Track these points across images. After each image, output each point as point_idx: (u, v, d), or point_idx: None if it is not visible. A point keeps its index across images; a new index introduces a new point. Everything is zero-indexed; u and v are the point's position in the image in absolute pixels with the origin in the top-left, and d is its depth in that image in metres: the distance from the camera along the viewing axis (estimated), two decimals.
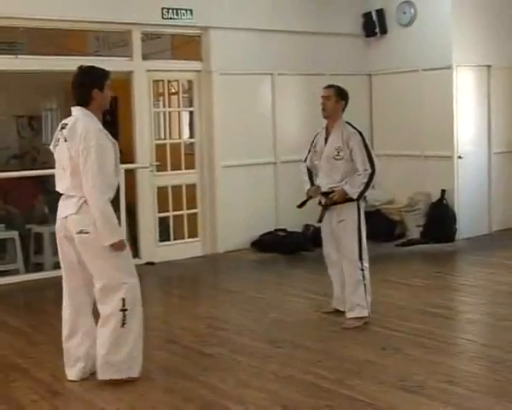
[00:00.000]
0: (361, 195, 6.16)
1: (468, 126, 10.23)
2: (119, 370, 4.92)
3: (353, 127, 6.30)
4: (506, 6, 10.59)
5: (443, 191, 10.07)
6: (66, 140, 4.86)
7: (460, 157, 10.09)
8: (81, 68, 5.01)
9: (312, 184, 6.51)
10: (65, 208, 4.95)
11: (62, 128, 4.93)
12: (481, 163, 10.48)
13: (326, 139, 6.36)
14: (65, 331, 5.10)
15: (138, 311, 4.98)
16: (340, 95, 6.38)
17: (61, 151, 4.92)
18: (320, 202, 6.41)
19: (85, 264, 4.90)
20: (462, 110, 10.13)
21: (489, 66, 10.43)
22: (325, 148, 6.33)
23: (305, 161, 6.59)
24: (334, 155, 6.24)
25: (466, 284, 7.98)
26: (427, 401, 4.57)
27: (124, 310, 4.85)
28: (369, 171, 6.13)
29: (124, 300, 4.85)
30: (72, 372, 5.08)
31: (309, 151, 6.57)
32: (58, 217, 5.02)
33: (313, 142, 6.54)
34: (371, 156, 6.18)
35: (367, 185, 6.15)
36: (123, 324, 4.85)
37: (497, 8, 10.48)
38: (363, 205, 6.31)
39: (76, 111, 4.95)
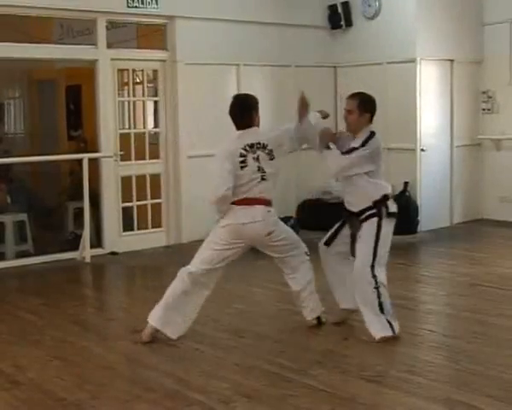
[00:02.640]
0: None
1: (430, 120, 10.33)
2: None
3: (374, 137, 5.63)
4: (469, 1, 10.72)
5: (405, 183, 10.17)
6: None
7: (423, 150, 10.19)
8: (238, 95, 6.10)
9: None
10: None
11: None
12: (443, 156, 10.60)
13: None
14: None
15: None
16: (365, 106, 5.64)
17: None
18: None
19: None
20: (425, 103, 10.23)
21: (452, 60, 10.55)
22: None
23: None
24: None
25: (427, 275, 8.08)
26: (388, 390, 4.63)
27: None
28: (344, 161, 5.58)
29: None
30: None
31: None
32: None
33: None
34: (357, 156, 5.53)
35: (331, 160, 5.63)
36: None
37: (461, 4, 10.59)
38: (388, 223, 5.64)
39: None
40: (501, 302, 6.71)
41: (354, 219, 5.69)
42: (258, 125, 5.73)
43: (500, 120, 10.78)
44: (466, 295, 7.07)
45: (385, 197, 5.63)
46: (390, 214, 5.64)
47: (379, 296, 5.50)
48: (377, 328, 5.53)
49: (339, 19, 10.82)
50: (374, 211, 5.57)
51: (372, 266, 5.51)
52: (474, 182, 10.99)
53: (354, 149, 5.57)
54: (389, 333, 5.53)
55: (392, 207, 5.68)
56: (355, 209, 5.67)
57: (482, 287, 7.26)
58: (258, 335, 5.86)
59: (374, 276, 5.51)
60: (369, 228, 5.57)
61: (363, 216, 5.60)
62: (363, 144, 5.56)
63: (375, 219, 5.57)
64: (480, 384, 4.66)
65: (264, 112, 10.74)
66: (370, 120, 5.69)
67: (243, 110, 5.70)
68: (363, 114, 5.62)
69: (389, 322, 5.55)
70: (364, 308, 5.57)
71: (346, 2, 10.76)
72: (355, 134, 5.68)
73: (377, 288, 5.49)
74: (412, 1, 10.11)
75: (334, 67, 11.15)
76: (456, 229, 10.58)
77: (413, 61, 10.09)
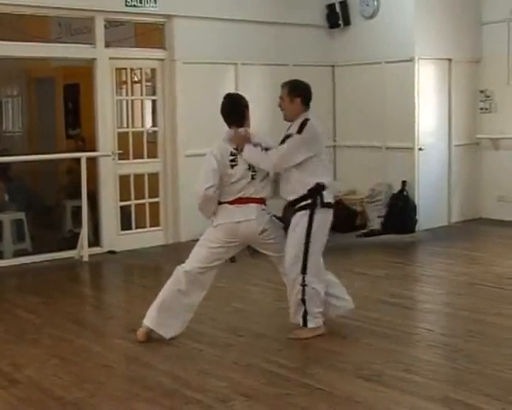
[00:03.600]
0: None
1: (428, 119, 10.34)
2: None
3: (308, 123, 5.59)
4: (467, 1, 10.73)
5: (404, 183, 10.17)
6: None
7: (421, 149, 10.19)
8: (230, 94, 6.17)
9: None
10: None
11: None
12: (441, 155, 10.61)
13: None
14: None
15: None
16: (294, 92, 5.69)
17: None
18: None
19: None
20: (423, 103, 10.23)
21: (450, 59, 10.56)
22: None
23: None
24: None
25: (425, 274, 8.08)
26: (385, 388, 4.64)
27: None
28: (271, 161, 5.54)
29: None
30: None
31: None
32: None
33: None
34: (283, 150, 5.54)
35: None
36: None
37: (459, 3, 10.60)
38: (323, 214, 5.55)
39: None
40: (499, 301, 6.71)
41: (291, 209, 5.66)
42: (249, 126, 5.76)
43: (498, 119, 10.79)
44: (464, 295, 7.08)
45: (320, 186, 5.54)
46: (325, 205, 5.55)
47: (303, 294, 5.53)
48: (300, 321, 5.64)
49: (337, 18, 10.83)
50: (308, 201, 5.51)
51: (302, 264, 5.50)
52: (472, 181, 11.01)
53: (290, 136, 5.59)
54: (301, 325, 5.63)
55: (328, 197, 5.59)
56: (290, 198, 5.64)
57: (480, 286, 7.27)
58: (256, 333, 5.87)
59: (303, 273, 5.51)
60: (300, 221, 5.52)
61: (298, 206, 5.57)
62: (299, 131, 5.54)
63: (307, 212, 5.50)
64: (477, 383, 4.67)
65: (261, 110, 10.78)
66: (306, 107, 5.69)
67: (235, 109, 5.76)
68: (294, 100, 5.65)
69: (305, 317, 5.60)
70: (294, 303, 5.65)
71: (344, 2, 10.76)
72: (292, 121, 5.69)
73: (304, 286, 5.52)
74: (410, 0, 10.12)
75: (332, 66, 11.15)
76: (454, 228, 10.59)
77: (411, 60, 10.10)
